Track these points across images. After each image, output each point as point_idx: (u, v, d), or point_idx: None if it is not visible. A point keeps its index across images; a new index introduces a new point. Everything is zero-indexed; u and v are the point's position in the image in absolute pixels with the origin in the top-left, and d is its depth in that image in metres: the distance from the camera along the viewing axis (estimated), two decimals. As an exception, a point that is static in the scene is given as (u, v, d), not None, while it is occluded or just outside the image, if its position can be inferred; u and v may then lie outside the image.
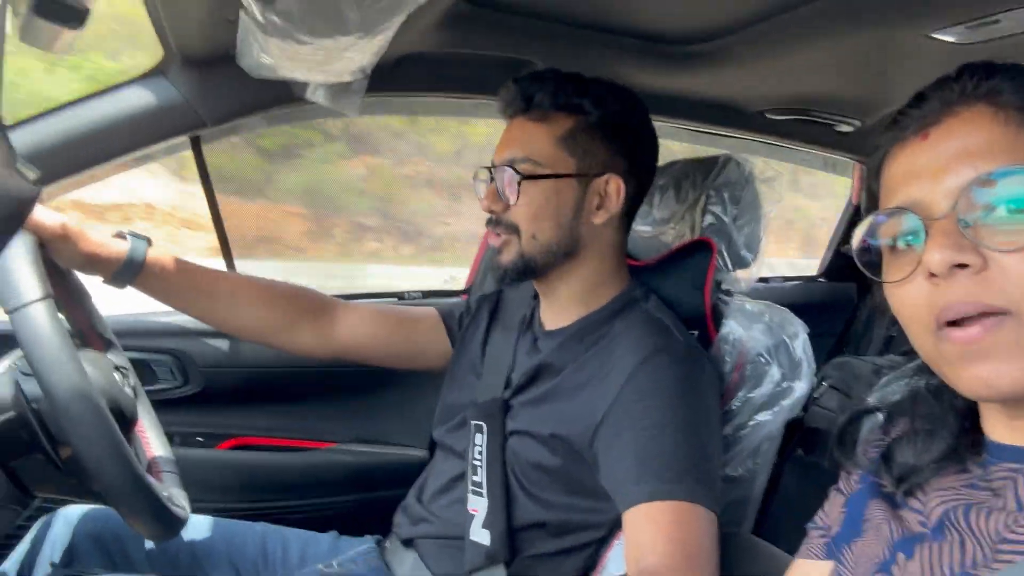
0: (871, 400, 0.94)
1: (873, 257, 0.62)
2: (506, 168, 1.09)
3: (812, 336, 1.24)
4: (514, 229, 1.10)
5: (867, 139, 1.74)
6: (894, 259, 0.59)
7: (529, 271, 1.12)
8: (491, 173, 1.13)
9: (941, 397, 0.66)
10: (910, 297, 0.57)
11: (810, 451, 1.73)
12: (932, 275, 0.54)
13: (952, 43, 1.12)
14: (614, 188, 1.11)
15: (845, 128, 1.69)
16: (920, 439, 0.65)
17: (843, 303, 2.19)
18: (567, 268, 1.13)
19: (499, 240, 1.12)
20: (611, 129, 1.11)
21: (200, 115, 1.25)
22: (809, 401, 1.80)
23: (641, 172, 1.16)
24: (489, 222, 1.14)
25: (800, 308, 1.26)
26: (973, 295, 0.53)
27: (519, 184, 1.08)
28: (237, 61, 1.09)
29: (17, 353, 0.96)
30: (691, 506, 0.93)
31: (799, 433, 1.75)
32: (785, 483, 1.72)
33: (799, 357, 1.17)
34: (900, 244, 0.59)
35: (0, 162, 0.58)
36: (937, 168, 0.56)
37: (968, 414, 0.64)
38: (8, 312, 0.83)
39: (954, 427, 0.64)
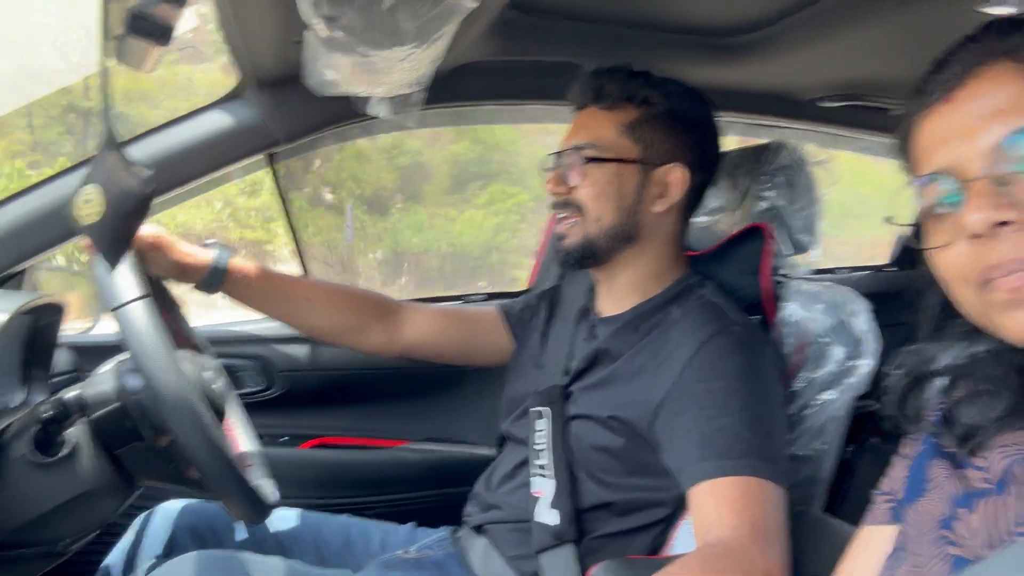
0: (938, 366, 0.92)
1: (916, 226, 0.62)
2: (572, 152, 1.14)
3: (885, 326, 1.23)
4: (579, 209, 1.15)
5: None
6: (935, 225, 0.60)
7: (591, 255, 1.16)
8: (557, 160, 1.18)
9: (1001, 358, 0.65)
10: (955, 260, 0.58)
11: (887, 439, 1.69)
12: (975, 236, 0.55)
13: (1003, 16, 1.11)
14: (676, 178, 1.15)
15: (901, 112, 1.66)
16: (983, 399, 0.65)
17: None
18: (627, 255, 1.17)
19: (565, 223, 1.16)
20: (676, 121, 1.15)
21: (275, 134, 1.33)
22: (882, 390, 1.76)
23: (704, 166, 1.19)
24: (554, 205, 1.18)
25: (872, 298, 1.25)
26: (1017, 251, 0.53)
27: (583, 166, 1.13)
28: (304, 80, 1.17)
29: (120, 356, 1.05)
30: (757, 480, 0.94)
31: (873, 421, 1.72)
32: (861, 472, 1.69)
33: (862, 334, 1.17)
34: (939, 209, 0.59)
35: (119, 167, 0.67)
36: (966, 129, 0.57)
37: None
38: (111, 311, 0.92)
39: (1016, 385, 0.63)
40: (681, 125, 1.16)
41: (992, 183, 0.54)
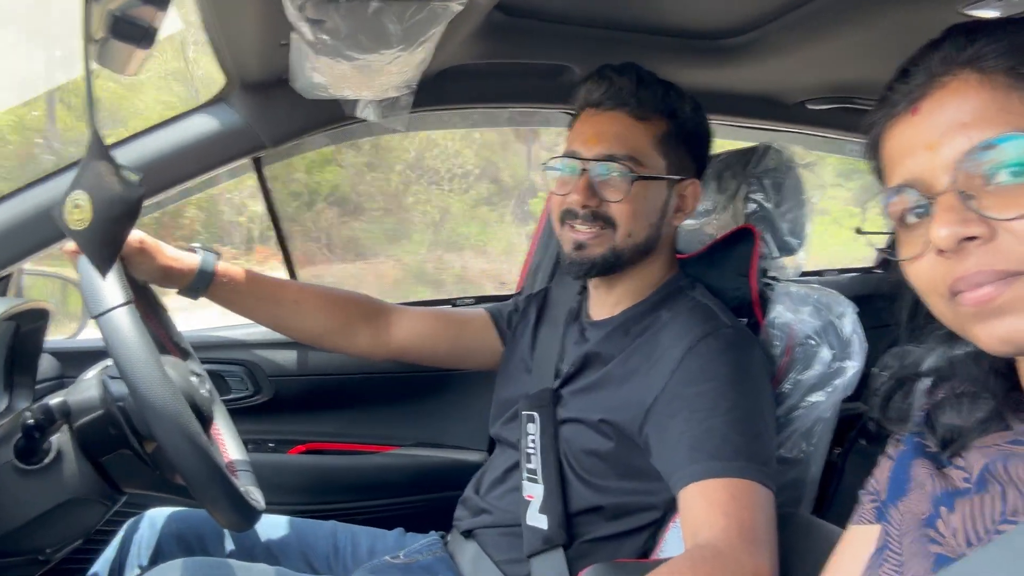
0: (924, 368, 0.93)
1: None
2: (610, 163, 1.09)
3: (872, 328, 1.24)
4: (611, 223, 1.10)
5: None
6: (906, 235, 0.60)
7: (616, 266, 1.14)
8: (582, 165, 1.11)
9: (980, 361, 0.66)
10: (925, 272, 0.58)
11: (873, 441, 1.70)
12: (941, 251, 0.54)
13: (968, 22, 1.12)
14: (692, 192, 1.16)
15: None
16: (964, 402, 0.65)
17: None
18: (640, 264, 1.17)
19: (589, 233, 1.11)
20: (693, 135, 1.16)
21: (260, 137, 1.32)
22: (870, 392, 1.77)
23: (702, 176, 1.21)
24: (575, 215, 1.11)
25: (859, 300, 1.26)
26: (986, 264, 0.53)
27: (630, 183, 1.08)
28: (291, 83, 1.17)
29: (103, 363, 1.04)
30: (746, 482, 0.94)
31: (862, 423, 1.73)
32: (849, 474, 1.70)
33: (848, 336, 1.17)
34: (909, 219, 0.59)
35: (107, 172, 0.66)
36: (931, 142, 0.56)
37: (1010, 374, 0.64)
38: (94, 317, 0.90)
39: (996, 388, 0.64)
40: (695, 139, 1.17)
41: (958, 197, 0.54)
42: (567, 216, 1.13)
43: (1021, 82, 0.54)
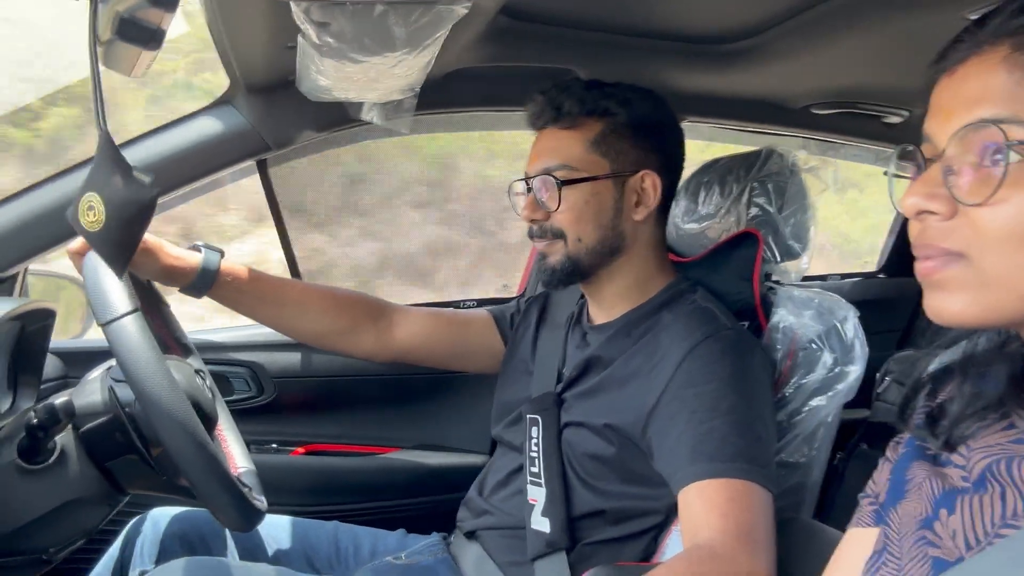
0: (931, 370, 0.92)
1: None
2: (544, 176, 1.13)
3: (875, 333, 1.23)
4: (559, 234, 1.14)
5: (917, 129, 1.72)
6: None
7: (576, 273, 1.16)
8: (527, 184, 1.17)
9: (1002, 351, 0.64)
10: (911, 226, 0.59)
11: (875, 446, 1.70)
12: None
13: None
14: (650, 184, 1.15)
15: (893, 119, 1.67)
16: (968, 398, 0.65)
17: (905, 299, 2.15)
18: (612, 267, 1.17)
19: (546, 244, 1.16)
20: (639, 128, 1.15)
21: (265, 139, 1.33)
22: (873, 396, 1.77)
23: (672, 166, 1.20)
24: (531, 232, 1.18)
25: (860, 305, 1.26)
26: (936, 239, 0.55)
27: (559, 190, 1.12)
28: (297, 85, 1.17)
29: (107, 363, 1.04)
30: (745, 483, 0.94)
31: (864, 428, 1.73)
32: (850, 478, 1.70)
33: (851, 341, 1.17)
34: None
35: (119, 173, 0.67)
36: (948, 108, 0.56)
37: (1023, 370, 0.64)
38: (101, 325, 0.90)
39: (1001, 379, 0.63)
40: (644, 131, 1.15)
41: (941, 170, 0.55)
42: (529, 234, 1.19)
43: None
